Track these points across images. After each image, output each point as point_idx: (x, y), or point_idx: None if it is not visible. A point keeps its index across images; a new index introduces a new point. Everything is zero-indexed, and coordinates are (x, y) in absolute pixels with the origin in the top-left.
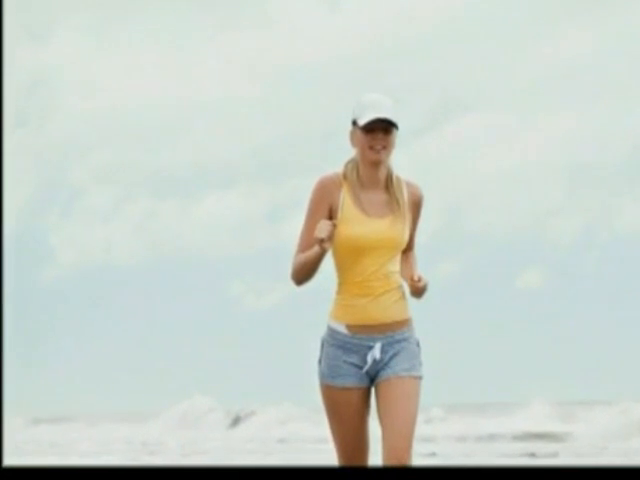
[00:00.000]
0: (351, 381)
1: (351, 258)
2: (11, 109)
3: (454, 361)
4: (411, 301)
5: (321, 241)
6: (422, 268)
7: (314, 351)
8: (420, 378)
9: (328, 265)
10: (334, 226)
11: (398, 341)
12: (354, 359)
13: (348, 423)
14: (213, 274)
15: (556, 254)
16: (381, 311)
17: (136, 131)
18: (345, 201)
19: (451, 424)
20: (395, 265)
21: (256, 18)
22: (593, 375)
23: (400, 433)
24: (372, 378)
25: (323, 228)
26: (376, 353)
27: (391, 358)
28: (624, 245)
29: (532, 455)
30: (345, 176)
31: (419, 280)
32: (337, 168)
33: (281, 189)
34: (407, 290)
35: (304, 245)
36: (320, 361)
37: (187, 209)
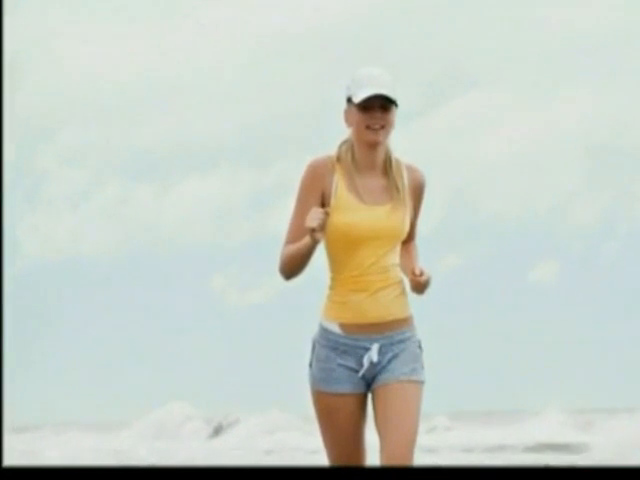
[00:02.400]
0: (346, 386)
1: (346, 250)
2: None
3: (459, 364)
4: (412, 297)
5: (312, 231)
6: (424, 261)
7: (305, 353)
8: (422, 383)
9: (320, 258)
10: (327, 214)
11: (398, 342)
12: (349, 362)
13: (342, 432)
14: (192, 267)
15: (573, 245)
16: (379, 308)
17: (106, 108)
18: (339, 187)
19: (456, 434)
20: (394, 257)
21: None
22: (613, 380)
23: (400, 443)
24: (369, 383)
25: (314, 217)
26: (373, 355)
27: (390, 361)
28: None
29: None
30: (339, 159)
31: (421, 274)
32: (330, 150)
33: (267, 173)
34: (408, 285)
35: (293, 235)
36: (311, 364)
37: (163, 194)
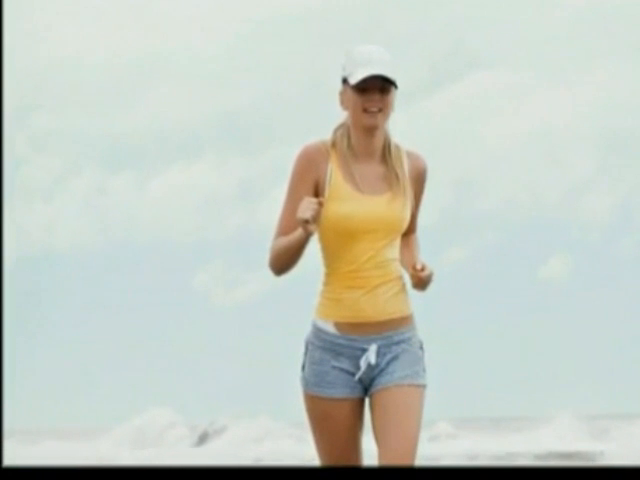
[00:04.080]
0: (341, 390)
1: (341, 243)
2: None
3: (464, 367)
4: (413, 294)
5: (305, 223)
6: (426, 255)
7: (297, 355)
8: (423, 387)
9: (314, 251)
10: (320, 205)
11: (397, 342)
12: (344, 364)
13: (337, 440)
14: (174, 263)
15: (587, 238)
16: (377, 306)
17: (83, 91)
18: (334, 175)
19: (460, 442)
20: (394, 251)
21: None
22: (630, 384)
23: (400, 451)
24: (366, 387)
25: (307, 207)
26: (371, 357)
27: (389, 363)
28: None
29: None
30: (334, 145)
31: (422, 269)
32: (324, 135)
33: (256, 160)
34: (408, 281)
35: (285, 227)
36: (304, 367)
37: (143, 184)
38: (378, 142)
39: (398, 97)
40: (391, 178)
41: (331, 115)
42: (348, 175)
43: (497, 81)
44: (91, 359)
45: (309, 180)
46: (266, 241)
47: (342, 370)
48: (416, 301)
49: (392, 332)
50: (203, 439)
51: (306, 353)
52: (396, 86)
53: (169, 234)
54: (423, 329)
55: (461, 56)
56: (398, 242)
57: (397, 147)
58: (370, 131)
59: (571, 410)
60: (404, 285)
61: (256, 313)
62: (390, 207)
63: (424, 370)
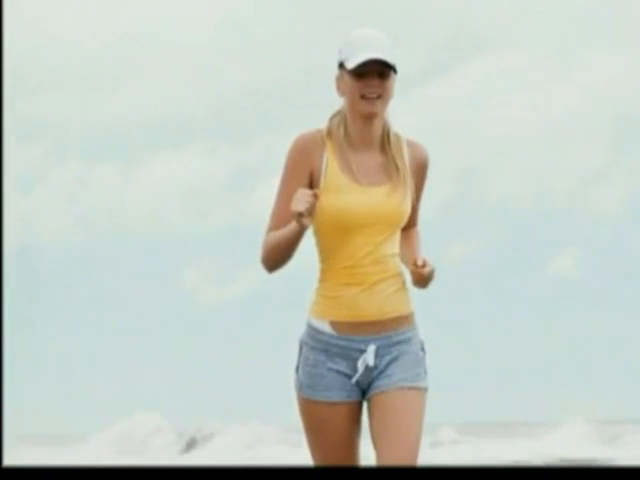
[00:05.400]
0: (337, 394)
1: (338, 237)
2: None
3: (467, 369)
4: (413, 292)
5: (299, 216)
6: (427, 250)
7: (290, 356)
8: (425, 390)
9: (308, 246)
10: (316, 197)
11: (397, 343)
12: (341, 366)
13: (333, 445)
14: (161, 258)
15: (597, 233)
16: (376, 304)
17: (64, 76)
18: (330, 165)
19: (464, 448)
20: (394, 246)
21: None
22: None
23: (400, 457)
24: (364, 390)
25: (302, 199)
26: (369, 358)
27: (388, 365)
28: None
29: None
30: (330, 133)
31: (423, 265)
32: (320, 123)
33: (248, 149)
34: (408, 278)
35: (278, 220)
36: (298, 368)
37: (128, 175)
38: (377, 130)
39: (398, 83)
40: (390, 169)
41: (327, 102)
42: (345, 165)
43: (502, 66)
44: (72, 360)
45: (303, 171)
46: (258, 235)
47: (338, 372)
48: (417, 299)
49: (392, 332)
50: (191, 445)
51: (300, 354)
52: (396, 71)
53: (154, 228)
54: (424, 329)
55: (464, 40)
56: (398, 236)
57: (397, 136)
58: (368, 119)
59: (581, 415)
60: (404, 282)
61: (247, 312)
62: (389, 199)
63: (425, 372)
